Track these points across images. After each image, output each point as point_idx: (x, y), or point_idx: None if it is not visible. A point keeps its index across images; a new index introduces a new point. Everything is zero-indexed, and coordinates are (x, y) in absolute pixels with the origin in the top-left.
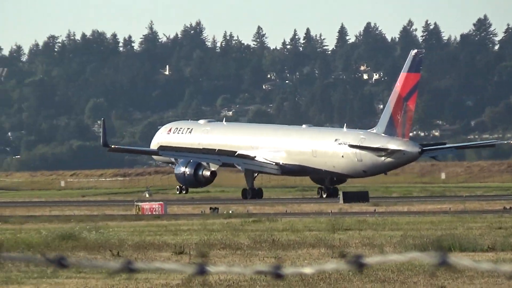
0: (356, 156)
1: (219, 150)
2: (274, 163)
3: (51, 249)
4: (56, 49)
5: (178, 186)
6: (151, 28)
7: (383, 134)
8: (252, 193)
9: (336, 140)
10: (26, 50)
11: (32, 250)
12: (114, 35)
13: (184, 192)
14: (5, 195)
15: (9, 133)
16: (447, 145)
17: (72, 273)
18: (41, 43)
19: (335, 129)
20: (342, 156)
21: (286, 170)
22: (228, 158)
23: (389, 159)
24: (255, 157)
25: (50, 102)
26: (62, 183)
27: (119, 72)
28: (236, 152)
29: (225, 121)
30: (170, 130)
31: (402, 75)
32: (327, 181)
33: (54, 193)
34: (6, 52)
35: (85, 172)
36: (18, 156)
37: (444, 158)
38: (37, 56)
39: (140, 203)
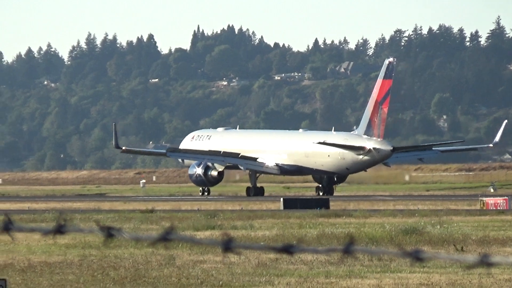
0: (339, 155)
1: (224, 152)
2: (274, 164)
3: (394, 244)
4: (402, 43)
5: (200, 188)
6: (498, 23)
7: (363, 135)
8: (255, 191)
9: (318, 142)
10: (372, 44)
11: (375, 244)
12: (461, 30)
13: (206, 194)
14: (349, 188)
15: (354, 127)
16: (435, 148)
17: (416, 267)
18: (387, 37)
19: (325, 132)
20: (328, 156)
21: (285, 170)
22: (232, 160)
23: (366, 157)
24: (257, 158)
25: (395, 96)
26: (407, 177)
27: (465, 67)
28: (239, 154)
29: (238, 128)
30: (193, 138)
31: (378, 81)
32: (325, 181)
33: (398, 187)
34: (352, 45)
35: (429, 166)
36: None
37: (429, 160)
38: (383, 50)
39: (484, 198)
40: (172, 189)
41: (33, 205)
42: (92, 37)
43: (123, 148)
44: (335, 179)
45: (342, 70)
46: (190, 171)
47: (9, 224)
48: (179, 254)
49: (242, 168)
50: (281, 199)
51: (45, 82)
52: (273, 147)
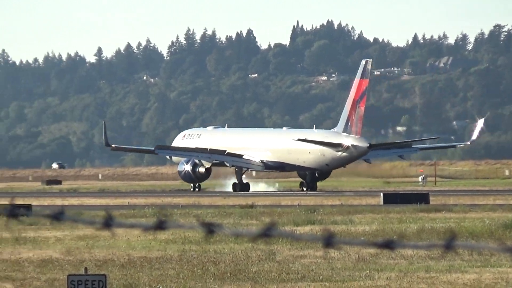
0: (320, 152)
1: (210, 149)
2: (259, 160)
3: (494, 238)
4: (501, 38)
5: (192, 184)
6: None
7: (343, 133)
8: (241, 187)
9: (297, 139)
10: (471, 38)
11: (475, 239)
12: None
13: (197, 189)
14: (449, 184)
15: (454, 122)
16: (414, 146)
17: None
18: (486, 32)
19: (307, 130)
20: (309, 153)
21: (269, 166)
22: (218, 157)
23: (344, 154)
24: (243, 155)
25: (495, 91)
26: (507, 172)
27: None
28: (226, 151)
29: (227, 126)
30: (184, 136)
31: (356, 81)
32: (308, 177)
33: (498, 182)
34: (451, 40)
35: None
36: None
37: (408, 157)
38: (482, 45)
39: None
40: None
41: (133, 200)
42: (191, 32)
43: (113, 145)
44: (317, 175)
45: (442, 65)
46: (179, 168)
47: (110, 220)
48: (279, 249)
49: (228, 164)
50: (381, 194)
51: (144, 77)
52: (258, 144)
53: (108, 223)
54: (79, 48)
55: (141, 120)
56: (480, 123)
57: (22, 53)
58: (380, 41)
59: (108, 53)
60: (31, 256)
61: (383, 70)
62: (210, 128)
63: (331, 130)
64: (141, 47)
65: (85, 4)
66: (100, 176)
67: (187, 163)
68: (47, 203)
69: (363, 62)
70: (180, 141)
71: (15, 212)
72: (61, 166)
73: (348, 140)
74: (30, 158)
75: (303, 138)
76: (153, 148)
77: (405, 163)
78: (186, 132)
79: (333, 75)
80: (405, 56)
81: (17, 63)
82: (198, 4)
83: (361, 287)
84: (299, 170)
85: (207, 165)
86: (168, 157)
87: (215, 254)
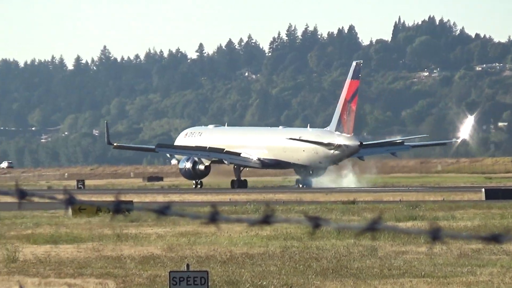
0: (313, 150)
1: (209, 148)
2: (256, 158)
3: None
4: None
5: (194, 181)
6: None
7: (335, 132)
8: (239, 184)
9: (289, 138)
10: None
11: None
12: None
13: (199, 186)
14: None
15: None
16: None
17: None
18: None
19: (301, 129)
20: (303, 151)
21: (265, 164)
22: (217, 155)
23: (336, 152)
24: (240, 153)
25: None
26: None
27: None
28: (224, 149)
29: (227, 125)
30: (186, 135)
31: (347, 82)
32: (303, 174)
33: None
34: None
35: None
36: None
37: (400, 155)
38: None
39: None
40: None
41: (234, 196)
42: (292, 28)
43: (115, 144)
44: (311, 172)
45: None
46: (181, 165)
47: (216, 215)
48: (381, 245)
49: (226, 162)
50: (483, 189)
51: (246, 74)
52: (255, 143)
53: (214, 217)
54: (180, 44)
55: (243, 116)
56: (470, 120)
57: (123, 49)
58: (482, 36)
59: (209, 49)
60: (132, 252)
61: (484, 66)
62: (211, 126)
63: (324, 129)
64: (242, 43)
65: (186, 1)
66: None
67: (187, 160)
68: (148, 200)
69: (354, 63)
70: (182, 139)
71: (120, 207)
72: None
73: (340, 139)
74: (131, 155)
75: (297, 137)
76: (153, 147)
77: (507, 158)
78: (188, 130)
79: (435, 71)
80: (507, 52)
81: (119, 59)
82: (300, 0)
83: (463, 283)
84: (294, 167)
85: (206, 162)
86: (168, 155)
87: (317, 250)
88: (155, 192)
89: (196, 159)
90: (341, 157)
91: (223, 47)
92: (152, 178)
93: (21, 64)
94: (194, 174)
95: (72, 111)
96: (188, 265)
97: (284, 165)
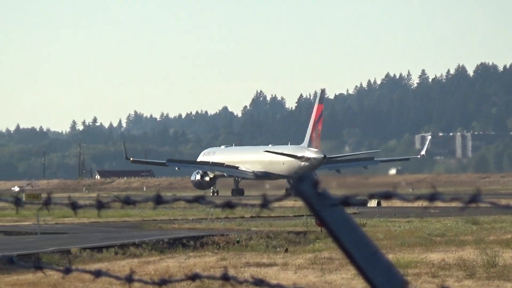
0: (291, 163)
1: (212, 162)
2: (251, 171)
3: None
4: None
5: (211, 190)
6: None
7: (307, 147)
8: (237, 192)
9: (265, 150)
10: None
11: None
12: None
13: (216, 194)
14: None
15: None
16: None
17: None
18: None
19: (284, 146)
20: (283, 163)
21: (258, 175)
22: (218, 168)
23: (306, 163)
24: (238, 167)
25: None
26: None
27: None
28: (224, 163)
29: (234, 145)
30: (204, 154)
31: (316, 106)
32: (292, 183)
33: None
34: None
35: None
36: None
37: (372, 168)
38: None
39: None
40: None
41: None
42: None
43: (131, 159)
44: (291, 181)
45: None
46: (192, 177)
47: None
48: None
49: (225, 174)
50: None
51: None
52: (251, 158)
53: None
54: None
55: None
56: (427, 138)
57: None
58: None
59: None
60: None
61: None
62: (222, 147)
63: (299, 145)
64: None
65: None
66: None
67: (197, 173)
68: None
69: (319, 90)
70: (202, 156)
71: None
72: None
73: (308, 153)
74: None
75: (277, 151)
76: (164, 161)
77: None
78: (206, 150)
79: None
80: None
81: None
82: None
83: None
84: (278, 178)
85: (211, 175)
86: (177, 168)
87: None
88: None
89: (203, 172)
90: (311, 167)
91: None
92: None
93: (500, 68)
94: (202, 185)
95: None
96: None
97: (271, 176)
